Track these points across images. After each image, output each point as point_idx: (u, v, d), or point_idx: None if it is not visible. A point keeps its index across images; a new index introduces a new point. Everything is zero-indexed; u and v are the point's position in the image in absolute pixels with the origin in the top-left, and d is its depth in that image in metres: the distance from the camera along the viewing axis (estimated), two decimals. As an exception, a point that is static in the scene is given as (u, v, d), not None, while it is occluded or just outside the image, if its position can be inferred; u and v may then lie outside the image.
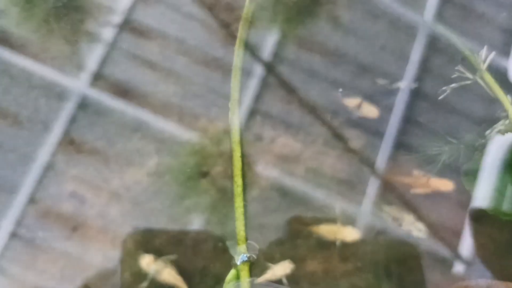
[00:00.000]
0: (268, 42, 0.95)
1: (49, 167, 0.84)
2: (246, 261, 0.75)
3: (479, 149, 0.89)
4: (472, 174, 0.84)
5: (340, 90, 0.92)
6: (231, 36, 0.94)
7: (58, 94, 0.87)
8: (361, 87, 0.94)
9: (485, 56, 0.90)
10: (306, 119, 0.90)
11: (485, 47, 0.95)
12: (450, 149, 0.88)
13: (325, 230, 0.79)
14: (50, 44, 0.90)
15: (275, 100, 0.92)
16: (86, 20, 0.93)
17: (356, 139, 0.90)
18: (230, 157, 0.85)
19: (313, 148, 0.89)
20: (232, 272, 0.75)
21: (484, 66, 0.88)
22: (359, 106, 0.89)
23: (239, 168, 0.81)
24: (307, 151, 0.88)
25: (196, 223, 0.82)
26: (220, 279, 0.78)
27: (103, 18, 0.94)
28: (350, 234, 0.79)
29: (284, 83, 0.92)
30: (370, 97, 0.93)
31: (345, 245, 0.80)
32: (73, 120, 0.86)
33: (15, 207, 0.82)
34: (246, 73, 0.93)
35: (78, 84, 0.88)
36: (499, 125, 0.88)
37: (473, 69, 0.94)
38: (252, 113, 0.91)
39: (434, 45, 0.98)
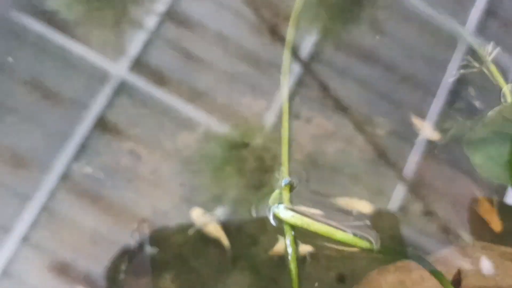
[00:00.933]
0: (307, 41, 0.97)
1: (83, 146, 0.87)
2: (287, 184, 0.82)
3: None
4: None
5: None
6: (273, 34, 0.97)
7: (99, 77, 0.91)
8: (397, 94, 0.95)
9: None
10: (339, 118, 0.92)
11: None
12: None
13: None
14: (95, 28, 0.94)
15: (310, 98, 0.93)
16: (132, 6, 0.97)
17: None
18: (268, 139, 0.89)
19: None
20: (276, 192, 0.82)
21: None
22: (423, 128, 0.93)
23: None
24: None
25: (236, 185, 0.87)
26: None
27: (148, 6, 0.97)
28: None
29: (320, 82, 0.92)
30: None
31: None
32: (110, 103, 0.89)
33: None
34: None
35: (118, 68, 0.92)
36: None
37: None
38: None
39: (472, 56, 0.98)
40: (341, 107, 0.94)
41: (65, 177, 0.85)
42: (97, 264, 0.82)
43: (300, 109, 0.94)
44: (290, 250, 0.80)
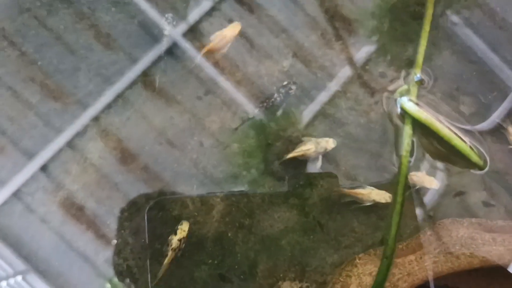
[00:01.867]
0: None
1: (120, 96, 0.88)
2: (418, 80, 0.88)
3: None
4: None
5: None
6: (331, 37, 0.94)
7: (154, 34, 0.91)
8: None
9: None
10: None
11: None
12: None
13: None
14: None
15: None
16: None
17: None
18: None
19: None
20: (404, 87, 0.88)
21: None
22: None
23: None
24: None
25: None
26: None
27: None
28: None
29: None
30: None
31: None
32: (157, 60, 0.90)
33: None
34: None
35: (174, 31, 0.92)
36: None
37: None
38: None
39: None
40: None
41: (97, 119, 0.86)
42: (107, 211, 0.82)
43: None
44: (406, 142, 0.85)
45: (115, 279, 0.80)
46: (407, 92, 0.87)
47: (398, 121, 0.87)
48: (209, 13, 0.93)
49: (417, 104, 0.85)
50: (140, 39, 0.90)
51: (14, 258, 0.80)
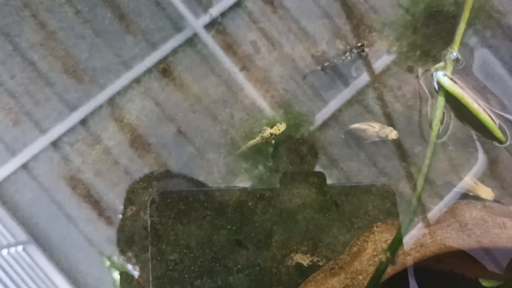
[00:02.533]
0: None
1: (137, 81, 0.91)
2: (454, 59, 0.94)
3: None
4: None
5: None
6: (350, 38, 0.97)
7: (176, 23, 0.94)
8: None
9: None
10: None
11: None
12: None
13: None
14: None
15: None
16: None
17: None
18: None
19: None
20: (441, 64, 0.94)
21: None
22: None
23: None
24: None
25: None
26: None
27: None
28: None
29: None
30: None
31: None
32: (176, 49, 0.93)
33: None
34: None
35: (196, 22, 0.94)
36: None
37: None
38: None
39: None
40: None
41: (112, 100, 0.90)
42: (112, 193, 0.86)
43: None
44: (438, 112, 0.92)
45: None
46: (443, 68, 0.94)
47: (433, 93, 0.94)
48: (232, 9, 0.95)
49: (451, 79, 0.92)
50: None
51: (17, 228, 0.84)
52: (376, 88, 0.94)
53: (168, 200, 0.84)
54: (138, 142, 0.88)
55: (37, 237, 0.84)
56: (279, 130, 0.88)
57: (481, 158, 0.92)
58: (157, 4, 0.92)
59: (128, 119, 0.88)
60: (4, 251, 0.83)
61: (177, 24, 0.92)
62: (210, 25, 0.93)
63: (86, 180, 0.86)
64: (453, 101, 0.93)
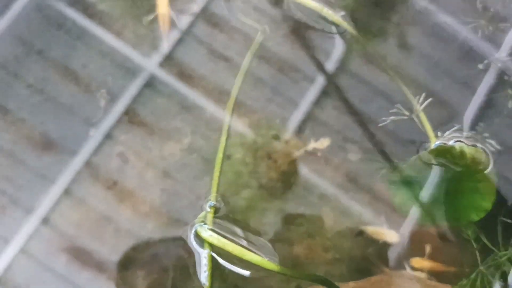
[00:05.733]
0: (335, 52, 0.97)
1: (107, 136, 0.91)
2: (212, 206, 0.88)
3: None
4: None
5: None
6: (299, 41, 0.99)
7: (129, 69, 0.94)
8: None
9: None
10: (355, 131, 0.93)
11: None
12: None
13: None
14: (130, 22, 0.96)
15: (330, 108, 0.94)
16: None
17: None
18: (252, 148, 0.92)
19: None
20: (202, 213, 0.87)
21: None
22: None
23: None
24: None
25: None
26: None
27: (182, 5, 0.99)
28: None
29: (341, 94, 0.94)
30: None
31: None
32: (137, 94, 0.92)
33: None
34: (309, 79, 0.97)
35: (149, 63, 0.94)
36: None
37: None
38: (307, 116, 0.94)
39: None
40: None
41: (89, 163, 0.89)
42: (112, 254, 0.86)
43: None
44: (205, 268, 0.84)
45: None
46: (204, 218, 0.87)
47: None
48: (181, 40, 0.96)
49: (211, 229, 0.84)
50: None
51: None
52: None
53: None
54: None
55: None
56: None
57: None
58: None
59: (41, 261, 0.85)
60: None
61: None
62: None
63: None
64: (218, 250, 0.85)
